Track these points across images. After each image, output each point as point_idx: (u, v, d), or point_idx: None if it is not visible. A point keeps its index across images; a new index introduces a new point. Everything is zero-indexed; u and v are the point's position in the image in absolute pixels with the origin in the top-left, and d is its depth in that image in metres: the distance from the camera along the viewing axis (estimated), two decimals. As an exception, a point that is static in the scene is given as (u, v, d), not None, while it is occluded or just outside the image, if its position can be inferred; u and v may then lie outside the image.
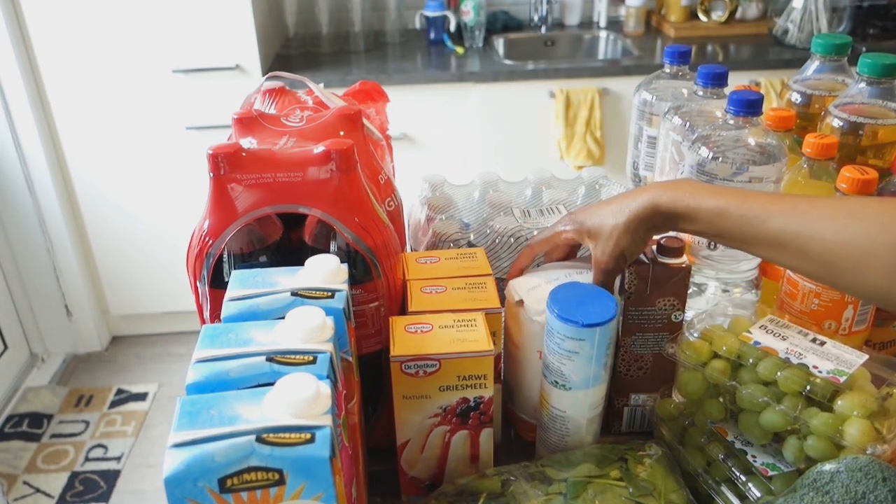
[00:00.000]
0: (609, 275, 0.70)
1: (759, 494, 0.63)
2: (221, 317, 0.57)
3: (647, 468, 0.66)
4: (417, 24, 2.58)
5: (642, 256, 0.73)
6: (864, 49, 2.21)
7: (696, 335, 0.70)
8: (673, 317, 0.74)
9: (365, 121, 0.78)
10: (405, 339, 0.65)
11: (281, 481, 0.42)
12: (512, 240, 0.85)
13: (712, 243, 0.80)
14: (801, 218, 0.60)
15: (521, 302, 0.73)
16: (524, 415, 0.79)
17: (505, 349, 0.77)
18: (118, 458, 2.09)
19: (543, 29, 2.62)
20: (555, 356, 0.67)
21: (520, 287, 0.74)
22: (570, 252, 0.79)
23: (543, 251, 0.78)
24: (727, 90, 0.86)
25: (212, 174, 0.64)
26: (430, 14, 2.43)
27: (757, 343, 0.67)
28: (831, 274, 0.60)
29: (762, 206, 0.62)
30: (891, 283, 0.56)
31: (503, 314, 0.74)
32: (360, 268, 0.68)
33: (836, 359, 0.64)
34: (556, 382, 0.68)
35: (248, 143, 0.72)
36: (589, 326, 0.64)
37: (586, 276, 0.73)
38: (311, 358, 0.50)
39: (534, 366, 0.74)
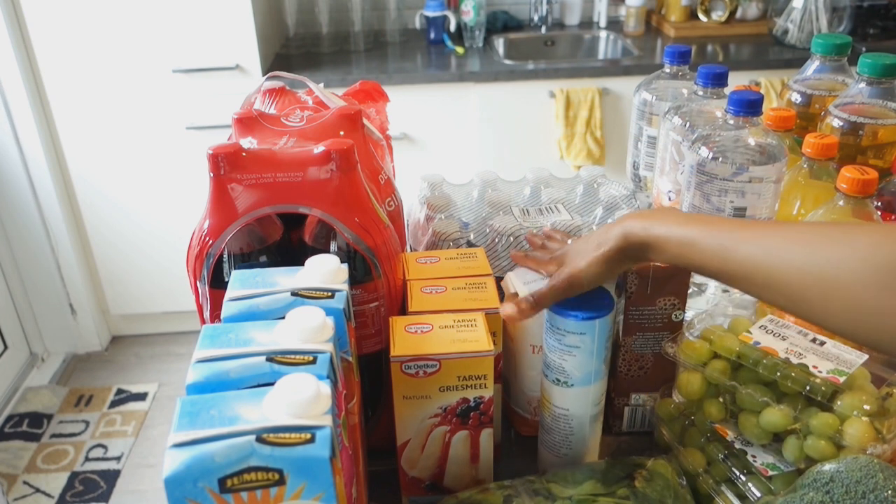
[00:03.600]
0: (557, 294, 0.66)
1: (759, 494, 0.63)
2: (221, 317, 0.56)
3: (655, 486, 0.65)
4: (417, 24, 2.58)
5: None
6: (864, 49, 2.21)
7: (696, 335, 0.70)
8: (673, 316, 0.74)
9: (365, 121, 0.78)
10: (405, 339, 0.65)
11: (281, 481, 0.42)
12: (511, 239, 0.85)
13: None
14: (767, 246, 0.56)
15: (516, 295, 0.73)
16: (518, 408, 0.79)
17: (503, 343, 0.77)
18: (118, 458, 2.09)
19: (543, 29, 2.62)
20: (555, 353, 0.67)
21: (516, 280, 0.74)
22: None
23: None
24: (727, 90, 0.86)
25: (212, 174, 0.64)
26: (430, 14, 2.43)
27: (757, 343, 0.67)
28: (799, 306, 0.55)
29: (729, 235, 0.58)
30: (858, 316, 0.50)
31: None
32: (360, 268, 0.68)
33: (836, 359, 0.64)
34: (558, 380, 0.68)
35: (248, 143, 0.72)
36: (589, 319, 0.65)
37: None
38: (311, 358, 0.50)
39: (526, 360, 0.75)
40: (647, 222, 0.63)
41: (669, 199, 0.94)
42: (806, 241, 0.54)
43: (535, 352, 0.74)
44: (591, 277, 0.66)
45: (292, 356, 0.50)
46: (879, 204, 0.80)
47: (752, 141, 0.78)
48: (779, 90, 2.16)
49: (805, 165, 0.82)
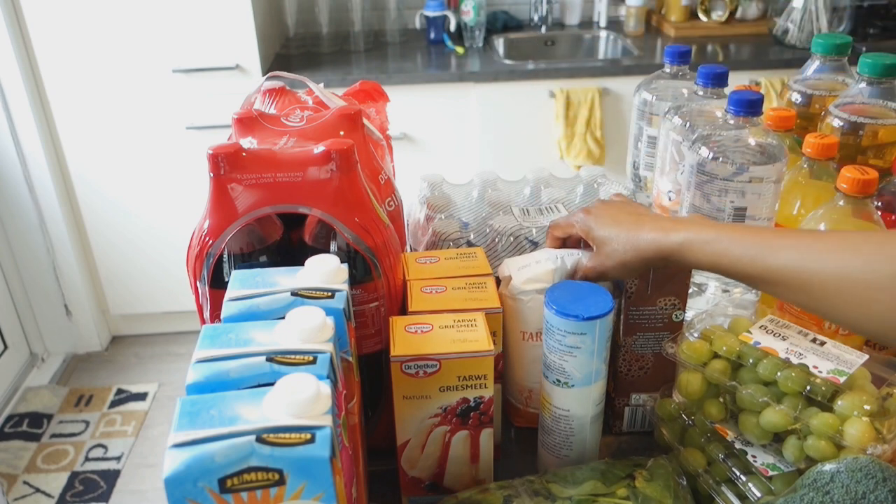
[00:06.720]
0: (589, 279, 0.72)
1: (759, 494, 0.63)
2: (221, 317, 0.56)
3: (655, 486, 0.65)
4: (417, 23, 2.58)
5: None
6: (864, 49, 2.21)
7: (696, 335, 0.70)
8: (674, 316, 0.74)
9: (365, 121, 0.78)
10: (405, 339, 0.65)
11: (281, 481, 0.42)
12: (511, 239, 0.85)
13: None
14: (803, 253, 0.59)
15: (509, 278, 0.74)
16: (511, 398, 0.80)
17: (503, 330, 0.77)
18: (118, 458, 2.09)
19: (543, 29, 2.62)
20: (556, 354, 0.67)
21: (512, 265, 0.75)
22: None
23: (562, 235, 0.77)
24: (727, 90, 0.86)
25: (212, 174, 0.64)
26: (430, 14, 2.43)
27: (757, 343, 0.67)
28: (834, 309, 0.59)
29: (763, 241, 0.61)
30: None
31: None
32: (360, 268, 0.68)
33: (837, 359, 0.64)
34: (559, 381, 0.68)
35: (249, 142, 0.72)
36: (589, 320, 0.65)
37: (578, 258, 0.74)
38: (311, 358, 0.50)
39: (518, 348, 0.75)
40: (680, 232, 0.65)
41: (669, 198, 0.94)
42: (842, 249, 0.58)
43: (525, 338, 0.74)
44: (618, 275, 0.71)
45: (292, 356, 0.50)
46: (879, 204, 0.80)
47: (752, 141, 0.78)
48: (779, 90, 2.16)
49: (805, 165, 0.82)
